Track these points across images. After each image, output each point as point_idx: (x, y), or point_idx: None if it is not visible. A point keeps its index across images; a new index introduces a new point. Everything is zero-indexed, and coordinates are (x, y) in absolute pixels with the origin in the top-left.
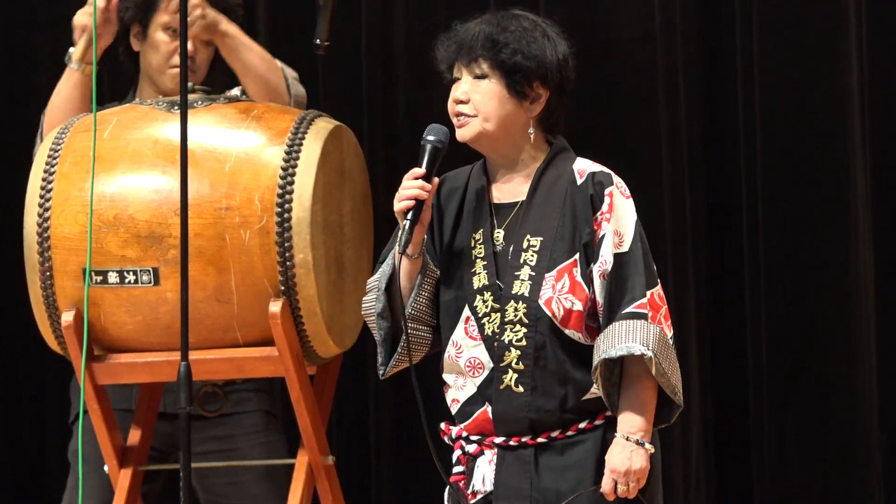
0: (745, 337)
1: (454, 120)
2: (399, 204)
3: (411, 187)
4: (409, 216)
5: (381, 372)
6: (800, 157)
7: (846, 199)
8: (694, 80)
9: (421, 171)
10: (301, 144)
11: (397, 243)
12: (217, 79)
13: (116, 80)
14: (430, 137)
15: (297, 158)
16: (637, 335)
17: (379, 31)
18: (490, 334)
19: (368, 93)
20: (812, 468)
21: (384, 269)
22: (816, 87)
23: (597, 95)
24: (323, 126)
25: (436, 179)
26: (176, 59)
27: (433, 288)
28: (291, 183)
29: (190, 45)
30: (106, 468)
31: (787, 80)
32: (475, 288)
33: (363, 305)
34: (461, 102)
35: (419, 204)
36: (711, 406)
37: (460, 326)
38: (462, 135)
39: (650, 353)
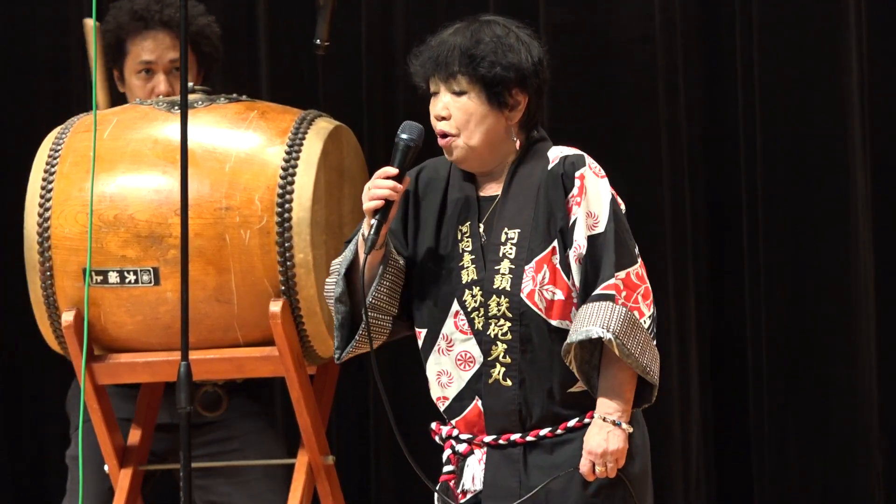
0: (745, 337)
1: (439, 138)
2: (369, 203)
3: (383, 187)
4: (378, 216)
5: (336, 356)
6: (800, 157)
7: (846, 199)
8: (694, 80)
9: (394, 170)
10: (301, 144)
11: (363, 239)
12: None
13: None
14: (404, 136)
15: (298, 158)
16: (598, 317)
17: (379, 31)
18: (480, 328)
19: (368, 93)
20: (812, 468)
21: (346, 255)
22: (816, 87)
23: (597, 95)
24: (323, 126)
25: (407, 178)
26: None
27: (395, 278)
28: (292, 183)
29: (163, 86)
30: (106, 468)
31: (787, 80)
32: (463, 282)
33: (325, 287)
34: (442, 119)
35: (388, 204)
36: (711, 406)
37: (450, 320)
38: (450, 157)
39: (609, 335)
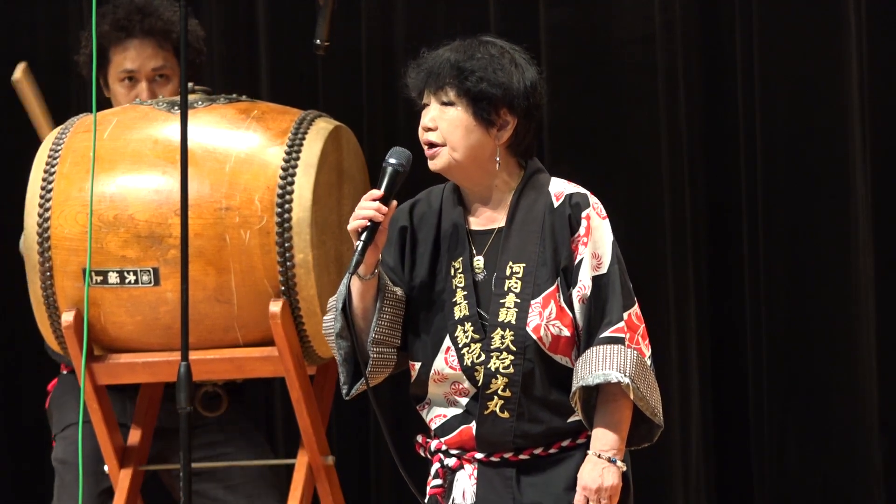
0: (746, 337)
1: (424, 148)
2: (353, 223)
3: (367, 208)
4: (363, 237)
5: (344, 391)
6: (800, 157)
7: (846, 199)
8: (694, 80)
9: (379, 192)
10: (301, 145)
11: (351, 263)
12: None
13: None
14: (392, 160)
15: (298, 159)
16: (614, 361)
17: (379, 31)
18: (469, 364)
19: (368, 93)
20: (812, 468)
21: (341, 290)
22: (816, 87)
23: (597, 95)
24: (323, 126)
25: (394, 203)
26: None
27: (394, 309)
28: (291, 183)
29: (145, 94)
30: (106, 468)
31: (787, 80)
32: (456, 318)
33: (323, 325)
34: (429, 130)
35: (374, 225)
36: (711, 406)
37: (440, 356)
38: (433, 165)
39: (627, 380)
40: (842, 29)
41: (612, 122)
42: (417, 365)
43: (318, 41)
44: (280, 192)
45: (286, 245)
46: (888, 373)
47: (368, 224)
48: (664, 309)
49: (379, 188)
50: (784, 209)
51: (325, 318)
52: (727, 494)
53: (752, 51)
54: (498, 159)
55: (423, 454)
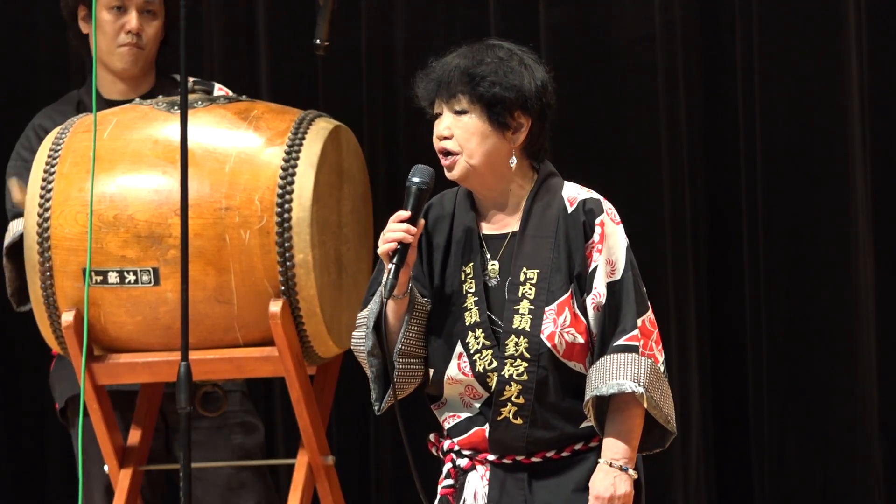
0: (746, 338)
1: (441, 157)
2: (383, 246)
3: (396, 230)
4: (395, 260)
5: (376, 408)
6: (800, 157)
7: (846, 199)
8: (694, 80)
9: (406, 213)
10: (301, 145)
11: (382, 286)
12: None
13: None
14: (416, 179)
15: (297, 159)
16: (628, 370)
17: (379, 31)
18: (481, 371)
19: (368, 93)
20: (812, 468)
21: (372, 307)
22: (816, 87)
23: (597, 95)
24: (323, 126)
25: (421, 221)
26: (122, 38)
27: (422, 321)
28: (291, 183)
29: (135, 22)
30: (106, 468)
31: (787, 79)
32: (467, 324)
33: (353, 341)
34: (444, 138)
35: (404, 247)
36: (711, 406)
37: (454, 363)
38: (450, 175)
39: (641, 390)
40: (842, 29)
41: (612, 122)
42: (431, 371)
43: (318, 41)
44: (280, 191)
45: (286, 245)
46: (888, 373)
47: (398, 247)
48: (664, 309)
49: (406, 209)
50: (784, 209)
51: (354, 333)
52: (727, 494)
53: (752, 51)
54: (514, 161)
55: (435, 453)
